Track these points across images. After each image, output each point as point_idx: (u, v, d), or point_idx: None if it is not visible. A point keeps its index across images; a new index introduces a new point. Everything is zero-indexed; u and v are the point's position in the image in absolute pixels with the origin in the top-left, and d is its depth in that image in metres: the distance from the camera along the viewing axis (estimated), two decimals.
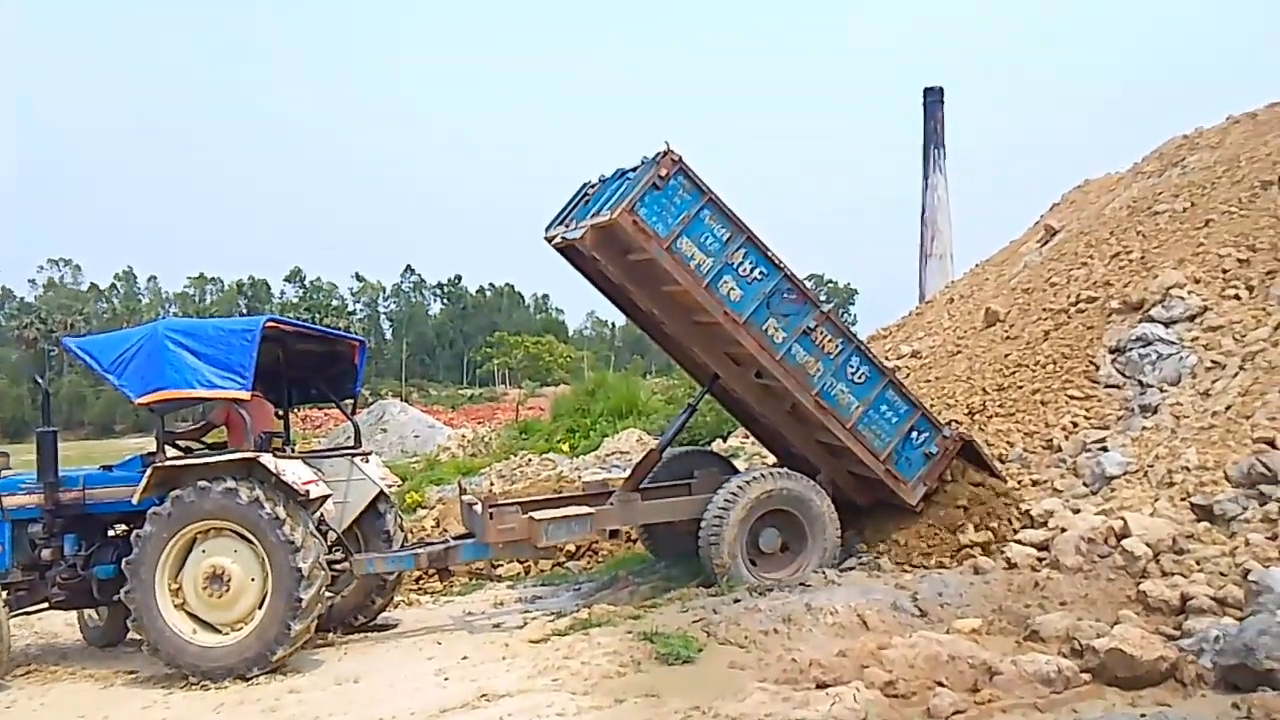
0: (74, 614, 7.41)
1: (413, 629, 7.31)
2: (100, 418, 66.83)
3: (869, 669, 5.04)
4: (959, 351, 11.28)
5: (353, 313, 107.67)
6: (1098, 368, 8.85)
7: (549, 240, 7.70)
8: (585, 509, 7.38)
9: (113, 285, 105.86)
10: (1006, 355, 10.05)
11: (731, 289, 6.83)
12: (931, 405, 9.87)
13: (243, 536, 6.09)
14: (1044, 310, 10.49)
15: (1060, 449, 8.15)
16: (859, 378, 7.11)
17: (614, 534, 7.69)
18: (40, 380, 8.35)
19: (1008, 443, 8.53)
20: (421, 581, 8.98)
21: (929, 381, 10.81)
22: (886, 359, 13.01)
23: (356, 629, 7.26)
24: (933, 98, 37.03)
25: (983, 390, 9.61)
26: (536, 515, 7.07)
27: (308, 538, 6.05)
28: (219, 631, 6.14)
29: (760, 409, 7.77)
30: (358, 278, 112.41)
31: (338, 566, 6.78)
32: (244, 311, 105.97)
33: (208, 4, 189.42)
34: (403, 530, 7.59)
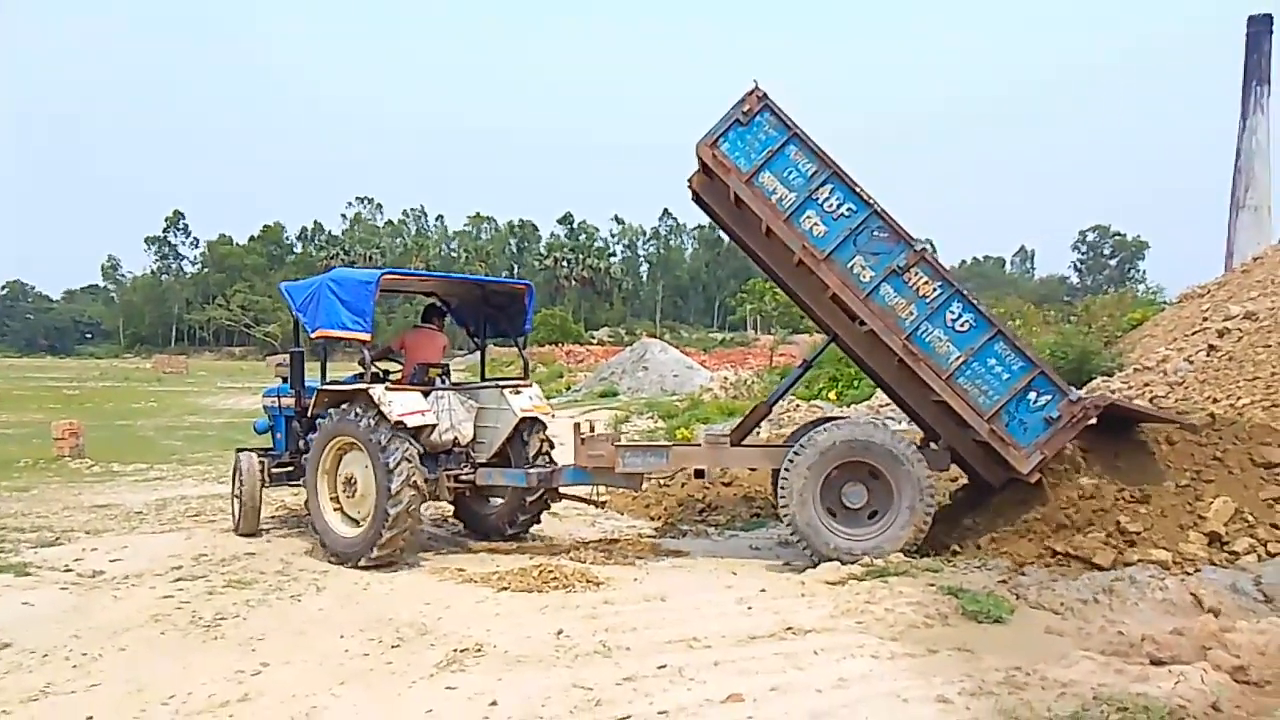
0: None
1: (703, 559, 7.63)
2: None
3: (1212, 651, 4.66)
4: None
5: (613, 254, 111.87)
6: None
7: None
8: (667, 444, 7.64)
9: (402, 221, 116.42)
10: None
11: (814, 224, 6.81)
12: (1273, 374, 8.86)
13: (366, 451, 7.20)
14: None
15: None
16: (960, 325, 6.68)
17: (700, 474, 7.92)
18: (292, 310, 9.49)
19: None
20: (705, 515, 9.33)
21: (1268, 347, 9.64)
22: (1208, 320, 11.77)
23: (507, 538, 8.43)
24: (1258, 26, 32.41)
25: None
26: (619, 444, 7.65)
27: (401, 457, 6.98)
28: (359, 525, 7.33)
29: (871, 362, 7.46)
30: (617, 220, 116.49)
31: (464, 480, 7.96)
32: (514, 249, 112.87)
33: None
34: (546, 453, 8.27)
